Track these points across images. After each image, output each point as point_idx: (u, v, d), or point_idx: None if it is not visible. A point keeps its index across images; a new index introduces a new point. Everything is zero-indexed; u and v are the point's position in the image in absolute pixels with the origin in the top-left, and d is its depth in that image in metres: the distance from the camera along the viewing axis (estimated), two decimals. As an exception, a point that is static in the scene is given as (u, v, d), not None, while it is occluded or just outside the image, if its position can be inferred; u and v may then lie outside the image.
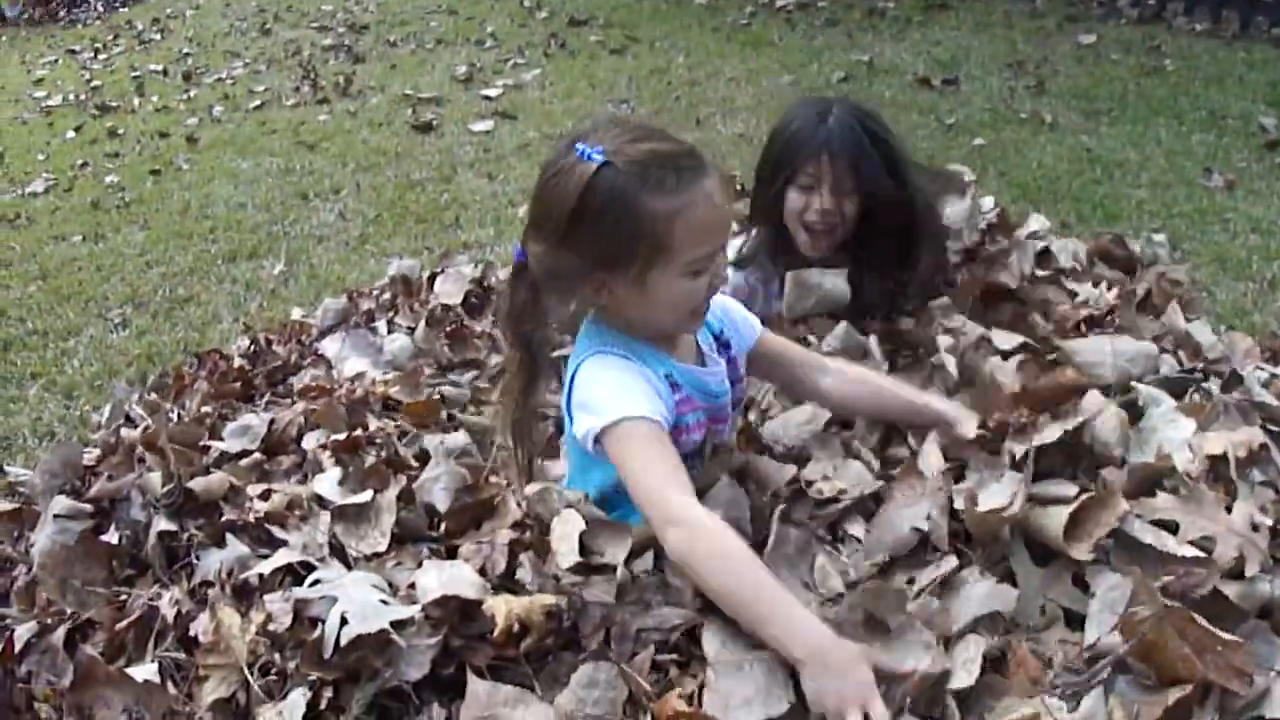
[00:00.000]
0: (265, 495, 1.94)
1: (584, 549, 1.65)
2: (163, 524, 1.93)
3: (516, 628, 1.54)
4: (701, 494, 1.69)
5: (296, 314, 3.52)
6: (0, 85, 9.48)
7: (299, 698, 1.54)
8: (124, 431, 2.32)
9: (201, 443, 2.24)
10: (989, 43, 7.96)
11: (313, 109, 7.61)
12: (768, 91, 7.21)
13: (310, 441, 2.13)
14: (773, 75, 7.54)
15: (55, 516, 2.07)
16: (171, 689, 1.68)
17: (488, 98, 7.42)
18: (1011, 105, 6.55)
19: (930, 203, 2.67)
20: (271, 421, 2.25)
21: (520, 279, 1.81)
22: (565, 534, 1.68)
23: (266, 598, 1.68)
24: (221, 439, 2.27)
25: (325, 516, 1.89)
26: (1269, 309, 4.11)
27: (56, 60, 10.22)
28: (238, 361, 2.98)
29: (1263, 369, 2.21)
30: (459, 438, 2.22)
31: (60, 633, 1.88)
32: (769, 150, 2.67)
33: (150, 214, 5.94)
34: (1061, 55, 7.58)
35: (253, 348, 3.11)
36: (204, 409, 2.51)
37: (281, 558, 1.79)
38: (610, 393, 1.72)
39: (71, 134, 7.68)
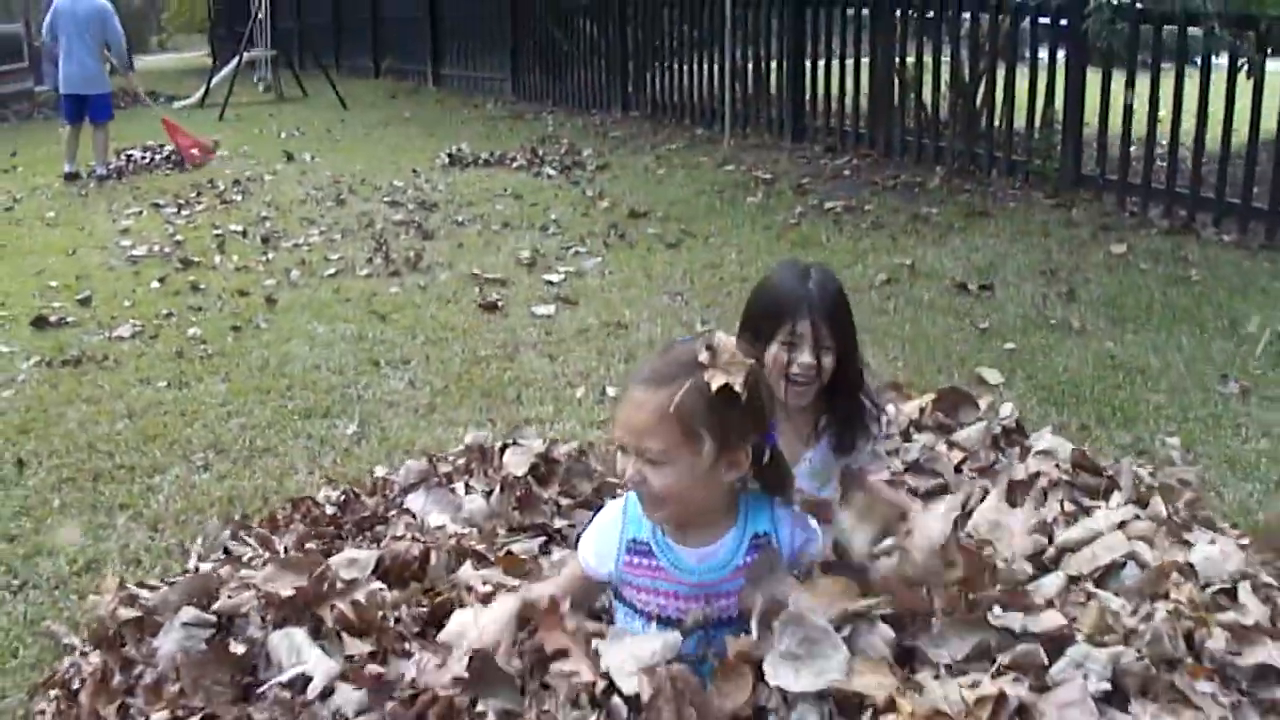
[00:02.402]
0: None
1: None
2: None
3: None
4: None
5: (380, 471, 3.85)
6: (89, 232, 10.04)
7: None
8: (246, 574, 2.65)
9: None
10: (1025, 251, 8.37)
11: (384, 280, 8.06)
12: (813, 288, 7.53)
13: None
14: (819, 273, 7.86)
15: (183, 624, 2.43)
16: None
17: (550, 282, 7.84)
18: (1043, 311, 6.89)
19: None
20: (380, 559, 2.59)
21: None
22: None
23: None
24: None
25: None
26: (1274, 509, 4.29)
27: (141, 212, 10.80)
28: (329, 509, 3.33)
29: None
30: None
31: (191, 724, 2.21)
32: (752, 308, 3.02)
33: (231, 367, 6.34)
34: (1093, 264, 7.97)
35: (343, 497, 3.45)
36: (307, 545, 2.85)
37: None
38: (586, 530, 2.55)
39: (156, 284, 8.16)
